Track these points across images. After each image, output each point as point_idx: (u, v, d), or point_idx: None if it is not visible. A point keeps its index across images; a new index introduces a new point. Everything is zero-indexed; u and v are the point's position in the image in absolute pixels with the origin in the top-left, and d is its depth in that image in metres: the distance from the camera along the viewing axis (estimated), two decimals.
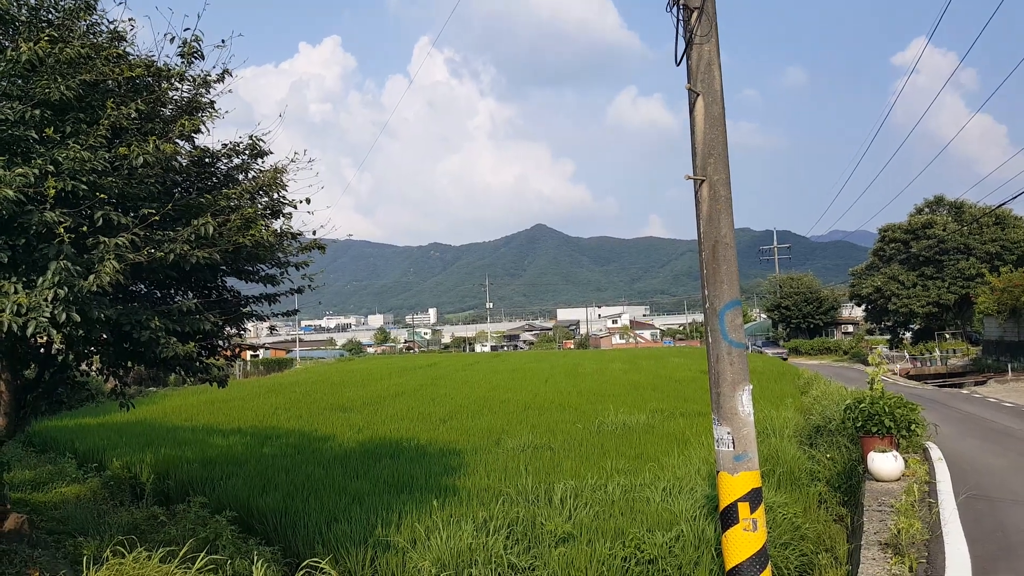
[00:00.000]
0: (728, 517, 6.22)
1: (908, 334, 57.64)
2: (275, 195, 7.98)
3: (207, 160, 7.84)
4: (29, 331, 5.01)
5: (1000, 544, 7.83)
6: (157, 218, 6.06)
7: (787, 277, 72.85)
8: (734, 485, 6.18)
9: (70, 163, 5.63)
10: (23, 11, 6.48)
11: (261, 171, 8.11)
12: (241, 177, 8.18)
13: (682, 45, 6.52)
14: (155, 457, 13.85)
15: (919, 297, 51.55)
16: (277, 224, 8.11)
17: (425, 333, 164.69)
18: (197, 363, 7.97)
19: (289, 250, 8.32)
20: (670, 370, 34.78)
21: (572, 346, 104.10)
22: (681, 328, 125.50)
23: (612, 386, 27.71)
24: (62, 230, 5.27)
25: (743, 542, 6.10)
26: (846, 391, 18.58)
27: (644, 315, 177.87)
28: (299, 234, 8.34)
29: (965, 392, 29.64)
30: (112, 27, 7.10)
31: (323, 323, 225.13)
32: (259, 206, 7.76)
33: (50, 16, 6.64)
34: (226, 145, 7.99)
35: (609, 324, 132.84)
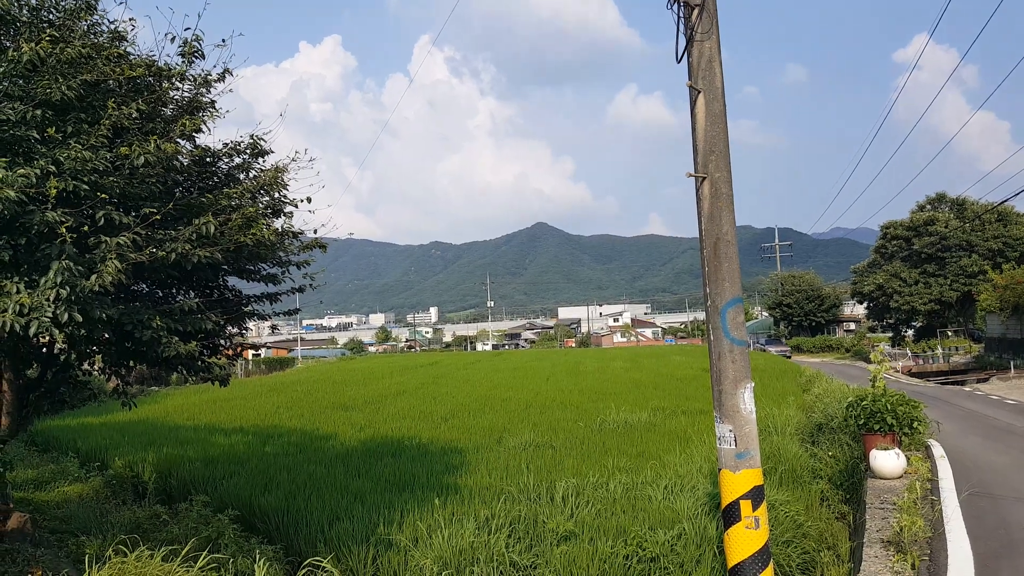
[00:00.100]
0: (730, 515, 6.21)
1: (910, 331, 57.59)
2: (276, 194, 7.99)
3: (208, 159, 7.85)
4: (31, 331, 5.02)
5: (1003, 541, 7.82)
6: (158, 217, 6.06)
7: (789, 275, 72.80)
8: (736, 483, 6.18)
9: (71, 163, 5.63)
10: (24, 11, 6.48)
11: (262, 170, 8.12)
12: (242, 176, 8.18)
13: (683, 42, 6.51)
14: (157, 456, 13.86)
15: (921, 294, 51.49)
16: (278, 223, 8.12)
17: (426, 332, 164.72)
18: (199, 362, 7.98)
19: (290, 249, 8.33)
20: (671, 368, 34.76)
21: (573, 344, 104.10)
22: (683, 326, 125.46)
23: (613, 384, 27.70)
24: (64, 230, 5.27)
25: (745, 540, 6.10)
26: (848, 389, 18.57)
27: (645, 313, 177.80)
28: (300, 233, 8.35)
29: (967, 389, 29.62)
30: (113, 27, 7.11)
31: (324, 322, 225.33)
32: (260, 205, 7.77)
33: (51, 16, 6.65)
34: (227, 144, 7.99)
35: (610, 322, 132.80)
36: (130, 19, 7.20)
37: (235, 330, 8.99)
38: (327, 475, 11.90)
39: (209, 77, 7.43)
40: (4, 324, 4.90)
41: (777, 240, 77.96)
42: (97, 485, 12.62)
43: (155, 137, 6.18)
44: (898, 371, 39.99)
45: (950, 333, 51.92)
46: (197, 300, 6.97)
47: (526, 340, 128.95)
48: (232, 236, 6.72)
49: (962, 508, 8.98)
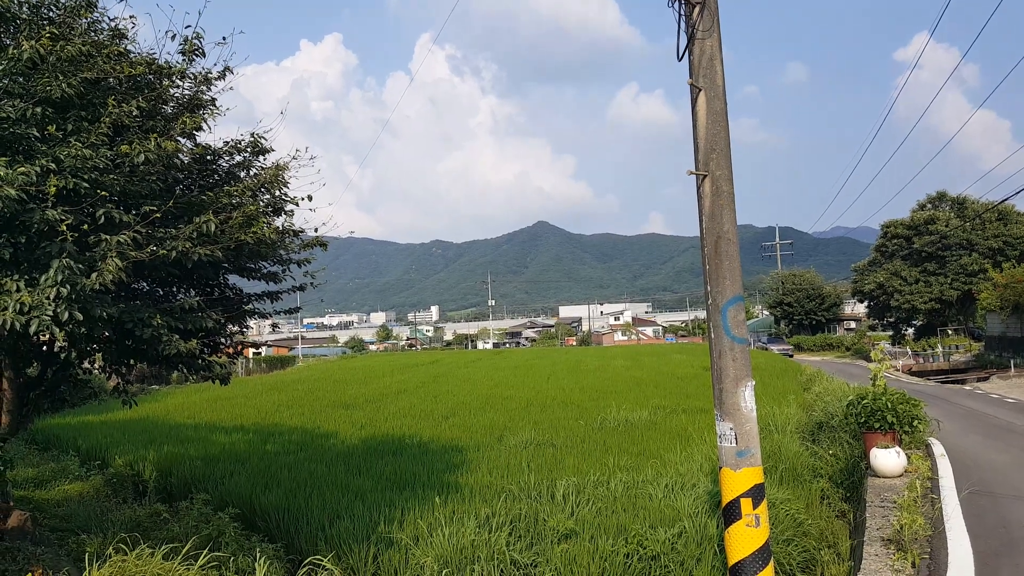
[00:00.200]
0: (731, 513, 6.21)
1: (910, 330, 57.57)
2: (277, 192, 7.99)
3: (209, 157, 7.85)
4: (32, 329, 5.02)
5: (1003, 540, 7.82)
6: (159, 215, 6.06)
7: (789, 273, 72.77)
8: (737, 481, 6.17)
9: (72, 161, 5.63)
10: (24, 9, 6.48)
11: (263, 168, 8.11)
12: (243, 174, 8.18)
13: (684, 40, 6.50)
14: (158, 454, 13.87)
15: (921, 293, 51.46)
16: (279, 221, 8.12)
17: (427, 330, 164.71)
18: (199, 360, 7.98)
19: (291, 247, 8.33)
20: (672, 367, 34.76)
21: (574, 343, 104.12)
22: (683, 325, 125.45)
23: (614, 383, 27.70)
24: (65, 227, 5.27)
25: (745, 538, 6.10)
26: (848, 387, 18.56)
27: (646, 312, 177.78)
28: (301, 231, 8.34)
29: (968, 388, 29.62)
30: (113, 25, 7.10)
31: (325, 321, 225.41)
32: (261, 203, 7.77)
33: (51, 14, 6.64)
34: (228, 143, 7.99)
35: (611, 321, 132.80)
36: (130, 17, 7.20)
37: (236, 328, 8.98)
38: (328, 473, 11.91)
39: (210, 75, 7.43)
40: (4, 322, 4.90)
41: (778, 239, 77.94)
42: (97, 483, 12.62)
43: (155, 135, 6.18)
44: (898, 370, 39.98)
45: (950, 332, 51.91)
46: (198, 298, 6.97)
47: (527, 339, 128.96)
48: (233, 234, 6.72)
49: (962, 506, 8.98)
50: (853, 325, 74.21)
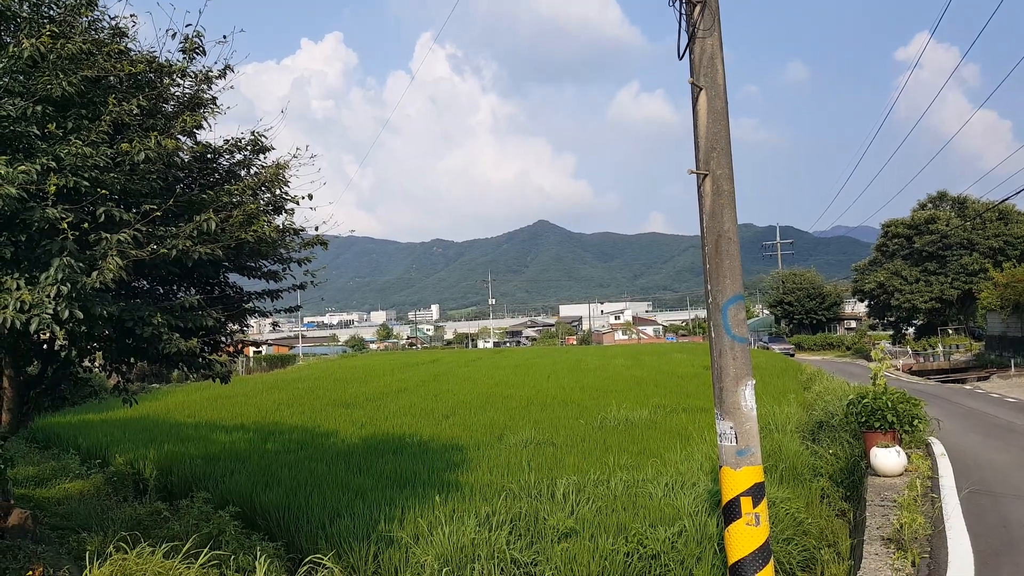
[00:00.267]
0: (731, 512, 6.21)
1: (911, 330, 57.56)
2: (277, 191, 7.99)
3: (209, 156, 7.85)
4: (32, 328, 5.02)
5: (1003, 539, 7.82)
6: (159, 214, 6.06)
7: (790, 273, 72.75)
8: (737, 480, 6.17)
9: (72, 159, 5.63)
10: (24, 7, 6.48)
11: (263, 167, 8.12)
12: (243, 173, 8.18)
13: (685, 39, 6.50)
14: (158, 453, 13.88)
15: (922, 292, 51.45)
16: (279, 220, 8.12)
17: (428, 329, 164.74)
18: (200, 359, 7.98)
19: (291, 246, 8.33)
20: (672, 366, 34.75)
21: (575, 342, 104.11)
22: (684, 324, 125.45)
23: (614, 382, 27.70)
24: (65, 226, 5.27)
25: (746, 537, 6.10)
26: (849, 386, 18.56)
27: (647, 311, 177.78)
28: (301, 230, 8.35)
29: (968, 388, 29.61)
30: (113, 23, 7.11)
31: (326, 319, 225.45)
32: (261, 202, 7.77)
33: (51, 12, 6.64)
34: (228, 141, 7.99)
35: (612, 320, 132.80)
36: (131, 15, 7.21)
37: (236, 327, 8.98)
38: (328, 472, 11.91)
39: (210, 73, 7.43)
40: (5, 320, 4.90)
41: (778, 238, 77.91)
42: (98, 482, 12.63)
43: (156, 133, 6.18)
44: (899, 369, 39.98)
45: (951, 331, 51.89)
46: (198, 297, 6.97)
47: (527, 338, 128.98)
48: (233, 233, 6.72)
49: (962, 506, 8.98)
50: (853, 324, 74.20)
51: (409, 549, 7.83)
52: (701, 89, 6.44)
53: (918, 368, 41.68)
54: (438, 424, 18.08)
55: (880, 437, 10.88)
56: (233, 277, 8.63)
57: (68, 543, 8.18)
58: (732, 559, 6.19)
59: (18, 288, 5.09)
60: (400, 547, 7.90)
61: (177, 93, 7.36)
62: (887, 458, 10.30)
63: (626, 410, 18.11)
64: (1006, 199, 52.33)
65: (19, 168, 5.16)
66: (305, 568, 6.97)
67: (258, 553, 7.00)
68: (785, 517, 8.40)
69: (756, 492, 6.16)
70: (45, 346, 7.81)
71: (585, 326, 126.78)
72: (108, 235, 5.63)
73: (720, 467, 6.35)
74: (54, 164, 5.51)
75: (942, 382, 34.43)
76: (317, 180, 8.01)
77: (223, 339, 8.73)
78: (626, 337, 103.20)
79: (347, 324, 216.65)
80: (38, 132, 5.75)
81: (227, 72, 7.51)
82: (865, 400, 11.29)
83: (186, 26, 7.10)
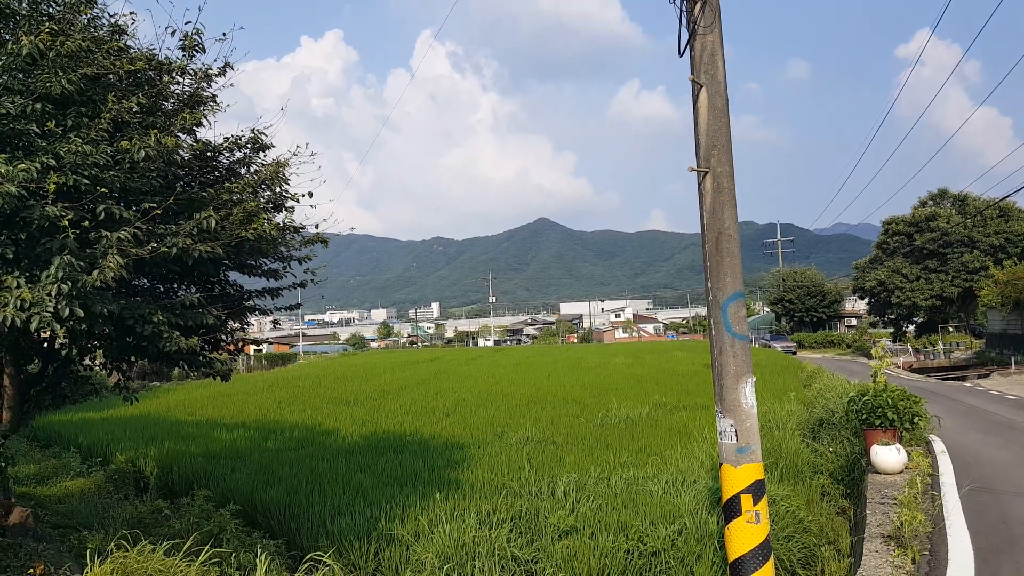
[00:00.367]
0: (731, 509, 6.21)
1: (911, 327, 57.57)
2: (277, 189, 7.99)
3: (209, 154, 7.85)
4: (32, 326, 5.02)
5: (1003, 536, 7.82)
6: (159, 212, 6.06)
7: (790, 270, 72.74)
8: (737, 477, 6.17)
9: (72, 157, 5.63)
10: (24, 4, 6.47)
11: (263, 165, 8.11)
12: (243, 171, 8.18)
13: (685, 36, 6.49)
14: (159, 451, 13.88)
15: (922, 290, 51.44)
16: (279, 218, 8.12)
17: (428, 327, 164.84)
18: (200, 357, 7.98)
19: (292, 244, 8.33)
20: (673, 364, 34.76)
21: (575, 340, 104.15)
22: (684, 322, 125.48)
23: (615, 380, 27.70)
24: (66, 223, 5.27)
25: (746, 534, 6.10)
26: (849, 384, 18.56)
27: (647, 309, 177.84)
28: (301, 228, 8.34)
29: (968, 385, 29.61)
30: (113, 21, 7.10)
31: (326, 317, 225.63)
32: (261, 200, 7.77)
33: (51, 10, 6.64)
34: (228, 139, 7.99)
35: (612, 318, 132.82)
36: (130, 13, 7.20)
37: (236, 325, 8.99)
38: (329, 470, 11.92)
39: (210, 71, 7.43)
40: (5, 319, 4.91)
41: (779, 236, 77.88)
42: (99, 480, 12.64)
43: (155, 131, 6.18)
44: (899, 367, 39.98)
45: (951, 329, 51.88)
46: (198, 295, 6.98)
47: (528, 336, 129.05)
48: (233, 231, 6.72)
49: (963, 503, 8.98)
50: (854, 322, 74.18)
51: (410, 547, 7.83)
52: (702, 86, 6.43)
53: (918, 366, 41.69)
54: (439, 422, 18.09)
55: (880, 434, 10.88)
56: (233, 275, 8.63)
57: (69, 541, 8.19)
58: (732, 556, 6.19)
59: (18, 286, 5.09)
60: (401, 545, 7.91)
61: (177, 91, 7.36)
62: (887, 455, 10.30)
63: (627, 408, 18.12)
64: (1007, 196, 52.33)
65: (19, 166, 5.16)
66: (306, 566, 6.97)
67: (259, 551, 7.01)
68: (785, 515, 8.40)
69: (756, 489, 6.16)
70: (46, 344, 7.82)
71: (586, 324, 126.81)
72: (108, 233, 5.63)
73: (720, 464, 6.35)
74: (54, 162, 5.51)
75: (942, 379, 34.44)
76: (317, 178, 8.02)
77: (224, 337, 8.74)
78: (627, 335, 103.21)
79: (348, 322, 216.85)
80: (38, 130, 5.75)
81: (227, 70, 7.51)
82: (865, 398, 11.29)
83: (185, 23, 7.11)
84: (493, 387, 26.40)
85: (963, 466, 11.38)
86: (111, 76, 6.50)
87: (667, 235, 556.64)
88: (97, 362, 8.67)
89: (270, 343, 79.77)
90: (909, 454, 10.86)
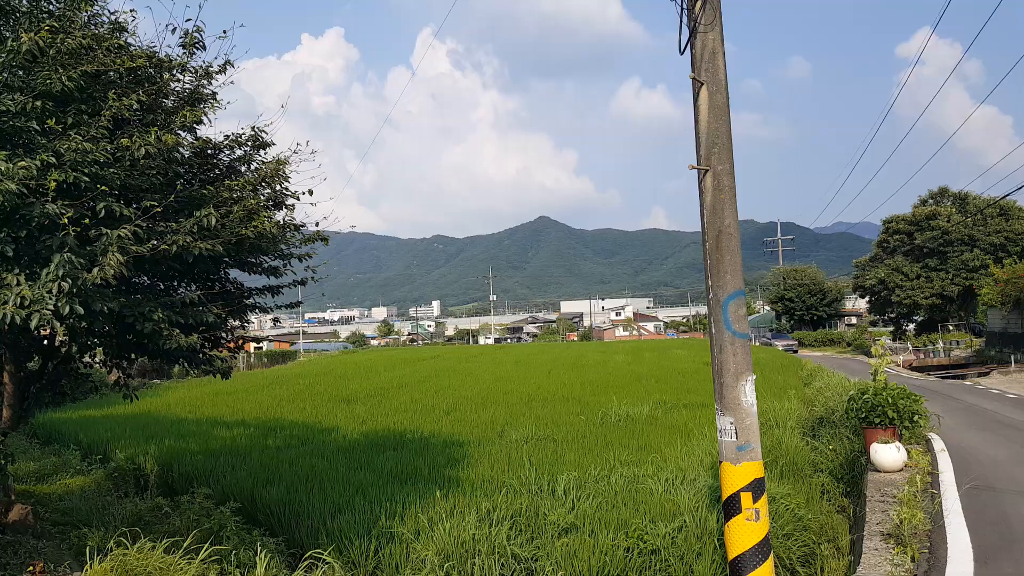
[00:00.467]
0: (731, 507, 6.22)
1: (911, 326, 57.55)
2: (278, 186, 7.98)
3: (209, 151, 7.84)
4: (32, 324, 5.02)
5: (1003, 534, 7.83)
6: (159, 209, 6.06)
7: (791, 269, 72.74)
8: (737, 475, 6.18)
9: (72, 154, 5.63)
10: (24, 2, 6.47)
11: (263, 162, 8.11)
12: (243, 168, 8.18)
13: (686, 34, 6.49)
14: (159, 449, 13.89)
15: (923, 289, 51.43)
16: (280, 216, 8.11)
17: (428, 325, 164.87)
18: (200, 355, 7.98)
19: (292, 242, 8.33)
20: (673, 362, 34.77)
21: (575, 338, 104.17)
22: (685, 320, 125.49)
23: (615, 378, 27.71)
24: (66, 220, 5.27)
25: (745, 532, 6.10)
26: (849, 382, 18.56)
27: (648, 307, 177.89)
28: (302, 226, 8.34)
29: (968, 383, 29.61)
30: (113, 18, 7.10)
31: (327, 315, 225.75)
32: (262, 197, 7.76)
33: (51, 7, 6.64)
34: (228, 136, 7.98)
35: (613, 316, 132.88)
36: (131, 10, 7.20)
37: (237, 323, 8.99)
38: (329, 468, 11.92)
39: (210, 69, 7.42)
40: (5, 316, 4.91)
41: (779, 234, 77.88)
42: (99, 477, 12.65)
43: (156, 128, 6.18)
44: (899, 365, 39.97)
45: (951, 327, 51.87)
46: (198, 293, 6.98)
47: (528, 334, 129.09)
48: (233, 228, 6.72)
49: (962, 501, 8.98)
50: (854, 321, 74.20)
51: (409, 544, 7.83)
52: (702, 84, 6.43)
53: (918, 364, 41.68)
54: (439, 420, 18.10)
55: (880, 433, 10.88)
56: (234, 273, 8.63)
57: (69, 539, 8.20)
58: (732, 554, 6.20)
59: (18, 284, 5.09)
60: (401, 542, 7.91)
61: (177, 88, 7.35)
62: (887, 454, 10.30)
63: (627, 406, 18.12)
64: (1007, 195, 52.35)
65: (19, 164, 5.16)
66: (305, 563, 6.98)
67: (259, 549, 7.01)
68: (785, 512, 8.41)
69: (756, 487, 6.16)
70: (45, 342, 7.82)
71: (586, 322, 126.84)
72: (108, 231, 5.63)
73: (720, 463, 6.36)
74: (54, 160, 5.51)
75: (942, 378, 34.43)
76: (318, 176, 8.02)
77: (224, 335, 8.74)
78: (627, 333, 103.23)
79: (348, 320, 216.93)
80: (38, 127, 5.74)
81: (227, 67, 7.50)
82: (865, 396, 11.29)
83: (186, 21, 7.10)
84: (493, 385, 26.41)
85: (963, 464, 11.38)
86: (111, 73, 6.49)
87: (668, 233, 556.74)
88: (97, 359, 8.67)
89: (270, 341, 79.79)
90: (909, 452, 10.86)
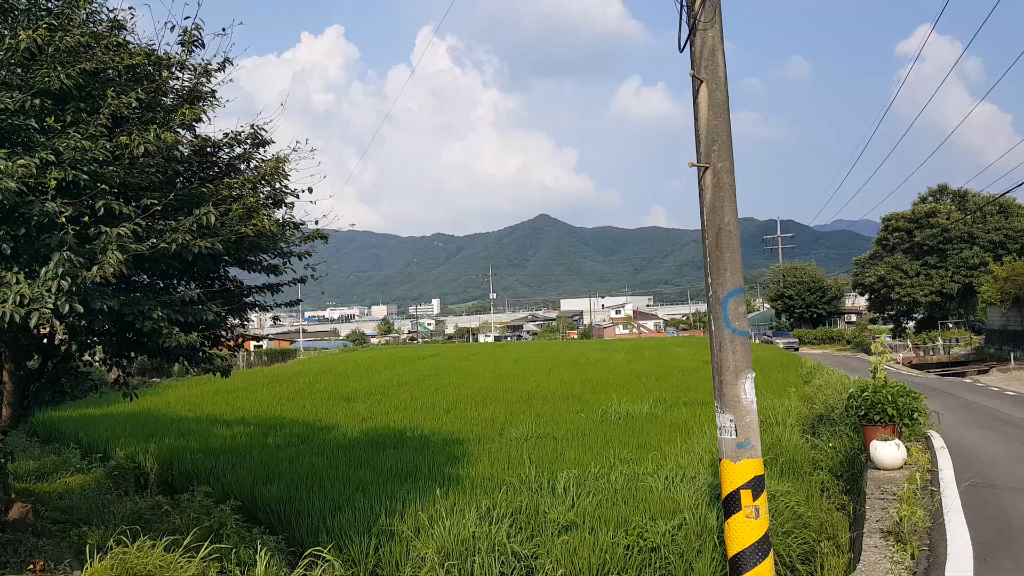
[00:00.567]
0: (730, 505, 6.22)
1: (911, 323, 57.60)
2: (277, 184, 7.98)
3: (209, 149, 7.84)
4: (32, 322, 5.02)
5: (1002, 531, 7.83)
6: (159, 208, 6.05)
7: (791, 266, 72.74)
8: (737, 472, 6.18)
9: (71, 152, 5.62)
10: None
11: (263, 160, 8.10)
12: (243, 166, 8.17)
13: (685, 32, 6.48)
14: (159, 447, 13.89)
15: (922, 286, 51.46)
16: (279, 214, 8.11)
17: (428, 323, 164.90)
18: (200, 353, 7.98)
19: (291, 240, 8.32)
20: (673, 359, 34.77)
21: (575, 336, 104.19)
22: (684, 318, 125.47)
23: (615, 376, 27.71)
24: (64, 219, 5.26)
25: (745, 529, 6.11)
26: (849, 380, 18.56)
27: (648, 305, 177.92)
28: (301, 224, 8.34)
29: (967, 381, 29.62)
30: (112, 15, 7.09)
31: (327, 314, 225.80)
32: (261, 195, 7.76)
33: (49, 4, 6.62)
34: (228, 134, 7.97)
35: (613, 314, 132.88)
36: (129, 8, 7.18)
37: (236, 321, 8.99)
38: (329, 466, 11.93)
39: (209, 66, 7.42)
40: (4, 315, 4.90)
41: (779, 232, 77.85)
42: (99, 476, 12.65)
43: (155, 126, 6.17)
44: (899, 362, 39.99)
45: (951, 325, 51.90)
46: (198, 291, 6.98)
47: (528, 332, 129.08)
48: (233, 226, 6.72)
49: (962, 498, 8.99)
50: (854, 318, 74.22)
51: (409, 542, 7.84)
52: (702, 82, 6.42)
53: (918, 361, 41.70)
54: (439, 418, 18.10)
55: (880, 430, 10.88)
56: (233, 271, 8.63)
57: (69, 537, 8.20)
58: (732, 552, 6.20)
59: (18, 282, 5.09)
60: (400, 540, 7.91)
61: (176, 86, 7.35)
62: (887, 451, 10.30)
63: (627, 404, 18.12)
64: (1006, 193, 52.28)
65: (18, 162, 5.16)
66: (306, 561, 6.98)
67: (259, 546, 7.02)
68: (785, 510, 8.41)
69: (756, 485, 6.16)
70: (45, 340, 7.81)
71: (586, 320, 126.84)
72: (108, 229, 5.62)
73: (720, 460, 6.36)
74: (53, 158, 5.50)
75: (942, 375, 34.45)
76: (317, 174, 8.02)
77: (223, 333, 8.74)
78: (627, 331, 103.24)
79: (348, 318, 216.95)
80: (37, 125, 5.74)
81: (226, 65, 7.49)
82: (865, 393, 11.29)
83: (185, 18, 7.10)
84: (493, 383, 26.41)
85: (962, 462, 11.39)
86: (110, 71, 6.49)
87: (667, 231, 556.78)
88: (96, 358, 8.67)
89: (270, 339, 79.80)
90: (908, 450, 10.86)
